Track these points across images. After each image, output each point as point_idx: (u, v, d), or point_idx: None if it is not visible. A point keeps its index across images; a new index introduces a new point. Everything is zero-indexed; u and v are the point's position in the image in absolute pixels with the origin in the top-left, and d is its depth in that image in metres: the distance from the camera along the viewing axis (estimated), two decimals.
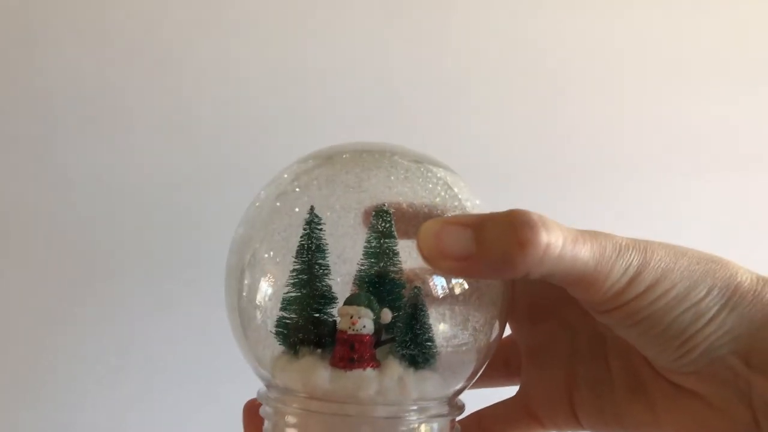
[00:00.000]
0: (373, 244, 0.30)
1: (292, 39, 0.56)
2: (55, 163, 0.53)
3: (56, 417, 0.53)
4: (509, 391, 0.37)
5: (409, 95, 0.57)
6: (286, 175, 0.32)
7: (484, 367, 0.31)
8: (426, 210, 0.30)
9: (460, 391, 0.31)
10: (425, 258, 0.27)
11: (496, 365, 0.36)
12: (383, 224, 0.30)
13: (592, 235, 0.26)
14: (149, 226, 0.54)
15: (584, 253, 0.25)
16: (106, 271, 0.54)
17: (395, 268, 0.30)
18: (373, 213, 0.30)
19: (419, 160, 0.33)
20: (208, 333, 0.55)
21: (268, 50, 0.56)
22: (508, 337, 0.36)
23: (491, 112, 0.60)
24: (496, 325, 0.31)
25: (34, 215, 0.52)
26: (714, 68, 0.65)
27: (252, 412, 0.32)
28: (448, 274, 0.28)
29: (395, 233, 0.30)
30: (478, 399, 0.36)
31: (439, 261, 0.26)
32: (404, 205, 0.30)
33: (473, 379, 0.31)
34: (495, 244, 0.25)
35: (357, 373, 0.28)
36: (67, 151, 0.52)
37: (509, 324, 0.35)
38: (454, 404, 0.31)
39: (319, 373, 0.29)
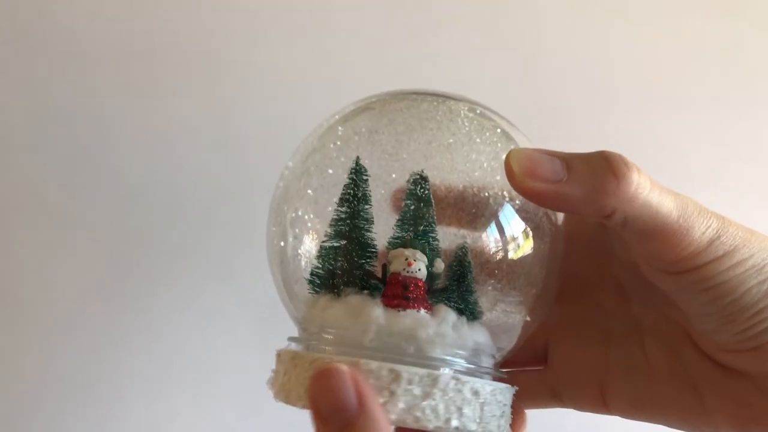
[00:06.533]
0: (411, 209, 0.30)
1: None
2: (101, 171, 0.52)
3: (100, 429, 0.52)
4: None
5: None
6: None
7: (527, 333, 0.31)
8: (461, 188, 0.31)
9: (505, 354, 0.31)
10: (514, 176, 0.26)
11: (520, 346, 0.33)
12: (421, 190, 0.31)
13: (674, 191, 0.26)
14: (199, 239, 0.54)
15: (669, 203, 0.26)
16: (151, 282, 0.53)
17: (434, 234, 0.30)
18: (411, 179, 0.30)
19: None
20: (252, 346, 0.54)
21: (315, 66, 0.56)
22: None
23: None
24: (541, 294, 0.31)
25: (82, 226, 0.52)
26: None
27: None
28: (535, 198, 0.27)
29: (432, 199, 0.30)
30: None
31: (529, 180, 0.26)
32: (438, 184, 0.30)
33: (519, 343, 0.31)
34: (588, 173, 0.26)
35: (411, 313, 0.27)
36: (116, 161, 0.52)
37: None
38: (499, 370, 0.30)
39: (372, 308, 0.27)
